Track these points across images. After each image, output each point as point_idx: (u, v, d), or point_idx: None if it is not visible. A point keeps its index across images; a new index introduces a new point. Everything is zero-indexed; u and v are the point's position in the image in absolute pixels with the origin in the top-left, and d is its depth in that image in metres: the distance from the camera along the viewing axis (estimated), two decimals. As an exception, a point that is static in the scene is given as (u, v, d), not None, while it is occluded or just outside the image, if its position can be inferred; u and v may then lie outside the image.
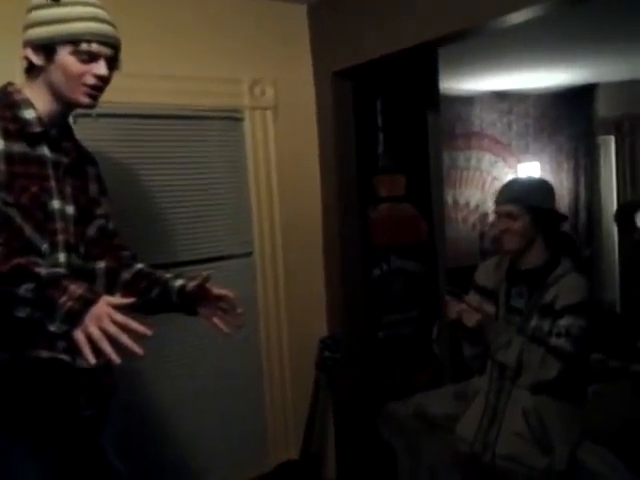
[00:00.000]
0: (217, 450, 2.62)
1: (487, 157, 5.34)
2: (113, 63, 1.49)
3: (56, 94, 1.47)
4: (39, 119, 1.45)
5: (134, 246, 2.35)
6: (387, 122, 3.01)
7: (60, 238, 1.45)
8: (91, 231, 1.57)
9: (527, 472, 1.95)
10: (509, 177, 5.31)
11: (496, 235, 2.13)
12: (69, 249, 1.48)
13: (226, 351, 2.64)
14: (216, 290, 1.61)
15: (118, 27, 1.51)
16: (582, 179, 5.71)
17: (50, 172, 1.46)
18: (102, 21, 1.44)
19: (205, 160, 2.58)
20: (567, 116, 5.57)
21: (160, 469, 2.46)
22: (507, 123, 5.41)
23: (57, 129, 1.51)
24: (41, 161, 1.45)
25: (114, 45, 1.48)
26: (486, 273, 2.22)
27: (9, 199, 1.35)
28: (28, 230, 1.39)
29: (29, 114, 1.44)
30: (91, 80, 1.45)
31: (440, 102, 3.25)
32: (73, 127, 1.61)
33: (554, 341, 1.91)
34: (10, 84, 1.49)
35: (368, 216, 2.97)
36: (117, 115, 2.30)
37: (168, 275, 1.66)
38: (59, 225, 1.46)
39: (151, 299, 1.60)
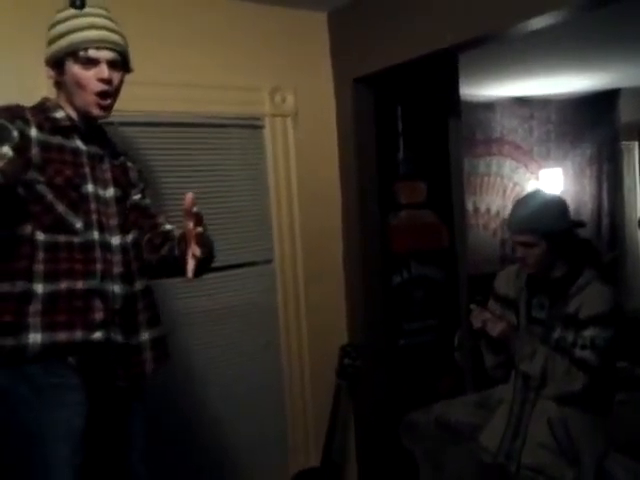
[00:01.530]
0: (238, 457, 2.62)
1: (508, 163, 5.29)
2: (120, 66, 1.59)
3: (74, 106, 1.59)
4: (68, 117, 1.58)
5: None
6: (407, 128, 3.00)
7: (94, 217, 1.56)
8: (127, 205, 1.68)
9: (553, 483, 1.92)
10: (531, 183, 5.27)
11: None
12: (102, 228, 1.57)
13: (247, 358, 2.65)
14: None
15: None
16: (605, 185, 5.64)
17: (84, 160, 1.58)
18: (99, 28, 1.54)
19: (226, 167, 2.60)
20: (590, 122, 5.51)
21: (181, 475, 2.47)
22: (528, 129, 5.37)
23: (87, 127, 1.62)
24: (76, 152, 1.57)
25: (114, 48, 1.56)
26: (506, 282, 2.18)
27: (41, 178, 1.46)
28: (61, 208, 1.50)
29: (59, 114, 1.57)
30: (97, 85, 1.54)
31: (461, 108, 3.24)
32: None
33: (579, 353, 1.87)
34: (46, 98, 1.62)
35: (388, 223, 2.96)
36: (138, 123, 2.33)
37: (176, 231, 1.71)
38: (93, 206, 1.56)
39: (162, 256, 1.64)
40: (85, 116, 1.60)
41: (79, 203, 1.53)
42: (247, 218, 2.65)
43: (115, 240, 1.60)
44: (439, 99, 3.13)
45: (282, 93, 2.65)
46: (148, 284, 1.68)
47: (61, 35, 1.53)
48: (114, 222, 1.61)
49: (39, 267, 1.46)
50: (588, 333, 1.87)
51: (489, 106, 5.11)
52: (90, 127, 1.64)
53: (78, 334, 1.48)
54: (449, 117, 3.17)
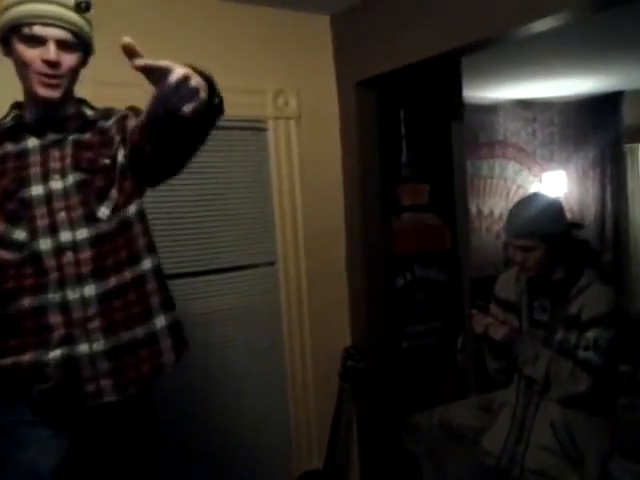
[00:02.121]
0: (241, 459, 2.62)
1: (511, 166, 5.29)
2: (75, 47, 1.38)
3: (25, 89, 1.41)
4: (19, 116, 1.44)
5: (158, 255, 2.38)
6: (410, 131, 3.01)
7: (40, 223, 1.37)
8: (116, 176, 1.45)
9: (557, 486, 1.92)
10: (534, 186, 5.26)
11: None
12: (54, 230, 1.37)
13: (250, 360, 2.65)
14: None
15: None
16: (609, 187, 5.63)
17: (32, 159, 1.41)
18: (47, 2, 1.32)
19: (229, 169, 2.60)
20: (593, 124, 5.50)
21: (179, 475, 2.47)
22: (531, 131, 5.37)
23: (47, 113, 1.43)
24: (20, 154, 1.42)
25: (65, 26, 1.34)
26: (507, 285, 2.18)
27: None
28: (1, 226, 1.35)
29: (8, 118, 1.46)
30: (40, 66, 1.34)
31: (464, 111, 3.24)
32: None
33: (582, 354, 1.87)
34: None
35: (391, 225, 2.96)
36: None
37: None
38: (40, 210, 1.38)
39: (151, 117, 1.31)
40: (35, 99, 1.40)
41: (19, 212, 1.37)
42: (250, 220, 2.66)
43: (81, 234, 1.38)
44: (442, 102, 3.13)
45: (285, 96, 2.65)
46: (142, 272, 1.44)
47: (6, 7, 1.33)
48: (77, 214, 1.39)
49: None
50: (591, 334, 1.87)
51: (492, 109, 5.11)
52: (52, 110, 1.43)
53: (28, 356, 1.32)
54: (452, 120, 3.17)
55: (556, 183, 5.38)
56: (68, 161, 1.42)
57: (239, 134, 2.61)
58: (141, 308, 1.43)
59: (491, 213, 5.20)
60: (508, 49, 2.86)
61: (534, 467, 1.94)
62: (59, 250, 1.37)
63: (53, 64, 1.34)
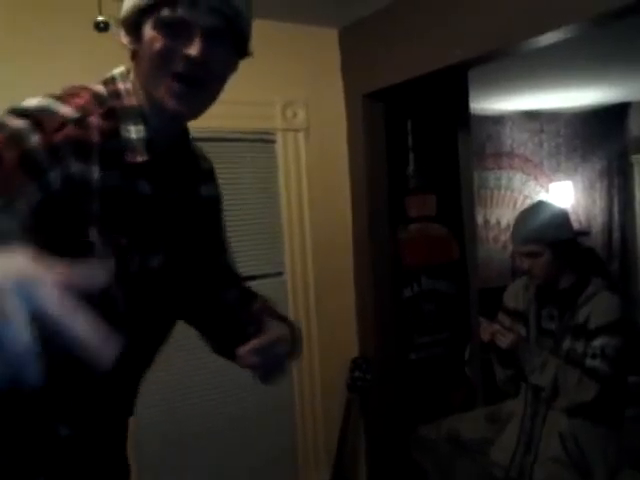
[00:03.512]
0: (247, 470, 2.62)
1: (518, 176, 5.30)
2: (228, 43, 0.97)
3: (149, 97, 0.97)
4: (146, 141, 0.96)
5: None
6: (418, 142, 3.02)
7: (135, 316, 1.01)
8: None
9: (565, 498, 1.91)
10: (541, 196, 5.27)
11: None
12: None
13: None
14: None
15: None
16: (616, 199, 5.63)
17: (143, 217, 0.98)
18: None
19: (238, 181, 2.62)
20: (600, 135, 5.51)
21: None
22: (538, 142, 5.38)
23: (163, 145, 1.00)
24: (137, 199, 0.97)
25: (224, 12, 0.92)
26: (515, 295, 2.19)
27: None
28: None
29: (137, 132, 0.96)
30: (177, 65, 0.92)
31: (470, 122, 3.26)
32: None
33: (589, 362, 1.88)
34: (122, 75, 1.00)
35: (399, 236, 2.97)
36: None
37: None
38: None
39: None
40: (160, 115, 0.96)
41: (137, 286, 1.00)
42: (258, 231, 2.68)
43: None
44: (449, 113, 3.15)
45: (294, 108, 2.68)
46: None
47: None
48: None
49: None
50: (598, 342, 1.88)
51: (499, 120, 5.13)
52: (166, 141, 1.01)
53: None
54: (459, 131, 3.19)
55: (563, 194, 5.38)
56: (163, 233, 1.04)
57: (248, 146, 2.64)
58: None
59: (498, 224, 5.20)
60: (515, 61, 2.87)
61: (542, 478, 1.94)
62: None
63: (197, 61, 0.92)
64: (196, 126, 2.61)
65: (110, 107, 0.95)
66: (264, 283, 2.70)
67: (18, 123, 0.86)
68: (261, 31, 2.65)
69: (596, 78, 4.20)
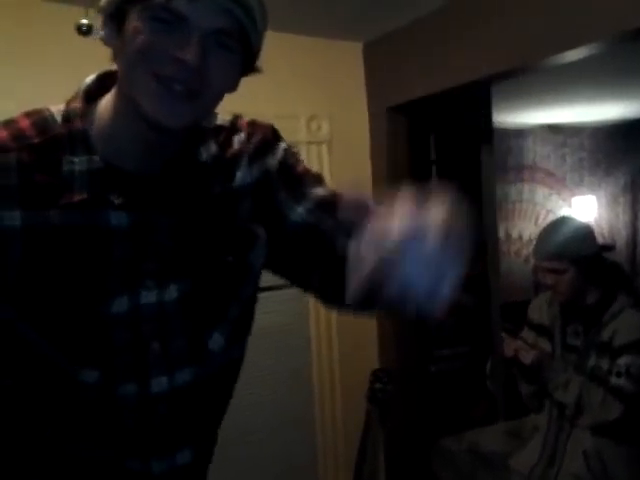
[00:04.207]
0: (266, 480, 2.63)
1: (541, 190, 5.28)
2: (235, 48, 0.80)
3: (126, 100, 0.79)
4: (93, 173, 0.80)
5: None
6: (440, 156, 3.03)
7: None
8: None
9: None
10: (563, 210, 5.23)
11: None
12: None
13: (277, 382, 2.66)
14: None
15: None
16: (640, 213, 5.58)
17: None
18: None
19: (262, 193, 2.65)
20: (623, 150, 5.47)
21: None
22: (561, 156, 5.35)
23: (155, 164, 0.84)
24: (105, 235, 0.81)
25: (235, 13, 0.75)
26: (539, 310, 2.19)
27: None
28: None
29: (80, 165, 0.79)
30: (164, 66, 0.74)
31: (493, 136, 3.26)
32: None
33: (614, 381, 1.86)
34: (85, 87, 0.84)
35: (421, 249, 2.97)
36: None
37: None
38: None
39: None
40: (151, 130, 0.78)
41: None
42: (281, 242, 2.70)
43: None
44: (472, 127, 3.16)
45: (318, 121, 2.71)
46: None
47: None
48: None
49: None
50: (623, 361, 1.86)
51: (521, 133, 5.12)
52: (159, 163, 0.85)
53: None
54: (482, 144, 3.20)
55: (586, 208, 5.34)
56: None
57: (272, 158, 2.66)
58: None
59: (520, 237, 5.18)
60: (538, 75, 2.88)
61: (565, 495, 1.93)
62: None
63: (191, 68, 0.74)
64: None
65: (51, 135, 0.79)
66: (286, 293, 2.72)
67: None
68: (287, 45, 2.72)
69: (620, 92, 4.18)
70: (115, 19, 0.76)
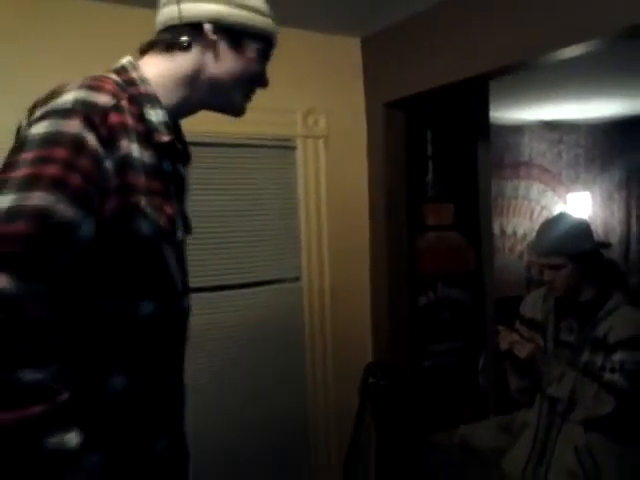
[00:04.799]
0: (258, 474, 2.63)
1: (536, 187, 5.29)
2: None
3: (205, 91, 1.15)
4: (167, 124, 1.09)
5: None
6: (437, 151, 3.04)
7: (185, 278, 1.13)
8: None
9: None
10: (558, 207, 5.25)
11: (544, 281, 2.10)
12: (187, 291, 1.16)
13: (270, 376, 2.67)
14: None
15: None
16: (634, 210, 5.60)
17: (172, 190, 1.11)
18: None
19: (258, 186, 2.66)
20: (619, 147, 5.49)
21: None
22: (557, 153, 5.37)
23: (175, 134, 1.14)
24: (165, 178, 1.08)
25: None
26: (533, 305, 2.19)
27: (160, 221, 1.02)
28: (172, 264, 1.06)
29: (157, 116, 1.07)
30: (257, 87, 1.20)
31: (490, 132, 3.27)
32: None
33: (608, 376, 1.87)
34: (131, 65, 1.11)
35: (416, 244, 2.99)
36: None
37: None
38: (182, 259, 1.13)
39: None
40: (201, 109, 1.20)
41: (179, 255, 1.11)
42: (276, 236, 2.70)
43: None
44: (469, 123, 3.16)
45: (315, 115, 2.71)
46: None
47: (256, 9, 1.14)
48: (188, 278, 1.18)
49: (139, 353, 1.02)
50: (617, 357, 1.87)
51: (518, 129, 5.13)
52: (175, 131, 1.15)
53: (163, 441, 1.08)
54: (478, 140, 3.20)
55: (581, 205, 5.36)
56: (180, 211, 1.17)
57: (269, 152, 2.66)
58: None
59: (514, 233, 5.19)
60: (535, 71, 2.88)
61: (556, 490, 1.94)
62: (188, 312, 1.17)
63: (264, 87, 1.21)
64: (217, 131, 2.65)
65: (131, 94, 1.05)
66: (281, 288, 2.73)
67: (72, 126, 0.93)
68: (284, 39, 2.69)
69: (616, 90, 4.19)
70: (230, 37, 1.12)
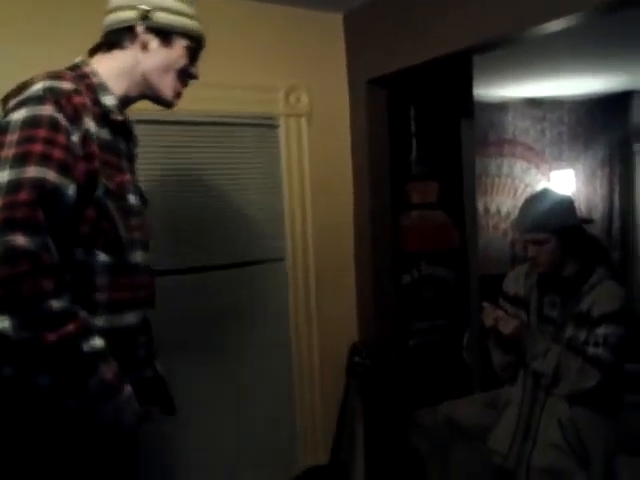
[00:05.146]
0: (246, 454, 2.64)
1: (519, 164, 5.29)
2: None
3: (141, 82, 1.40)
4: (118, 107, 1.35)
5: (169, 249, 2.41)
6: (420, 129, 3.02)
7: (137, 235, 1.35)
8: None
9: (564, 485, 1.94)
10: (542, 184, 5.26)
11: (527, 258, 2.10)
12: (143, 247, 1.38)
13: (256, 356, 2.67)
14: None
15: None
16: (617, 187, 5.63)
17: (125, 164, 1.37)
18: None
19: (240, 165, 2.62)
20: (602, 124, 5.50)
21: (188, 471, 2.49)
22: (540, 130, 5.36)
23: (126, 119, 1.41)
24: (119, 151, 1.35)
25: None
26: (516, 281, 2.20)
27: (110, 185, 1.25)
28: (119, 222, 1.28)
29: (108, 99, 1.32)
30: (186, 79, 1.46)
31: (474, 109, 3.25)
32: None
33: (592, 350, 1.89)
34: (84, 62, 1.36)
35: (400, 222, 2.98)
36: (156, 122, 2.35)
37: None
38: (134, 220, 1.35)
39: None
40: (143, 98, 1.43)
41: (128, 217, 1.31)
42: (260, 215, 2.67)
43: (147, 260, 1.40)
44: (452, 100, 3.14)
45: (297, 93, 2.67)
46: None
47: (184, 13, 1.40)
48: (146, 238, 1.40)
49: (101, 297, 1.25)
50: (601, 331, 1.89)
51: (502, 107, 5.12)
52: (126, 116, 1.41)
53: (134, 375, 1.30)
54: (462, 118, 3.18)
55: (564, 182, 5.38)
56: (135, 180, 1.42)
57: (251, 130, 2.63)
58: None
59: (498, 212, 5.21)
60: (519, 48, 2.86)
61: (541, 465, 1.96)
62: (145, 268, 1.38)
63: (195, 79, 1.49)
64: (198, 109, 2.61)
65: (86, 83, 1.29)
66: (265, 268, 2.71)
67: (47, 110, 1.16)
68: (266, 15, 2.66)
69: (600, 66, 4.18)
70: (161, 36, 1.38)
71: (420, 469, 2.71)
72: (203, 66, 2.44)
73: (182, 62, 1.41)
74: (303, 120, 2.70)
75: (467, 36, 2.23)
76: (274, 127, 2.67)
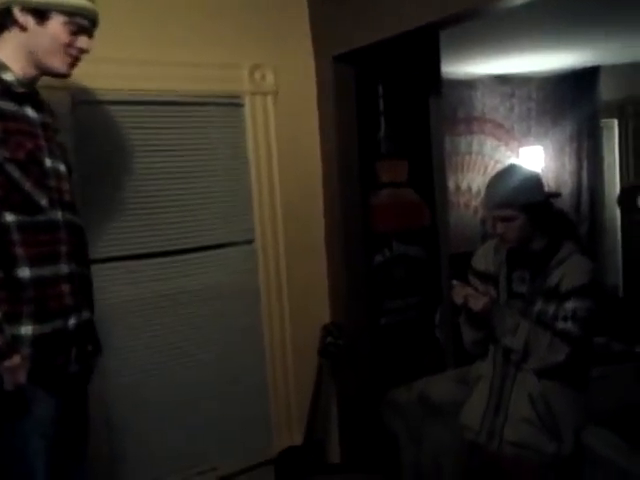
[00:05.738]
0: (220, 436, 2.63)
1: (489, 141, 5.31)
2: (90, 37, 1.58)
3: (32, 59, 1.51)
4: (19, 81, 1.49)
5: (134, 233, 2.37)
6: (389, 106, 2.99)
7: (55, 196, 1.51)
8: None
9: (536, 458, 1.95)
10: (511, 161, 5.29)
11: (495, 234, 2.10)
12: (63, 206, 1.54)
13: (228, 338, 2.64)
14: None
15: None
16: (585, 162, 5.69)
17: (39, 131, 1.52)
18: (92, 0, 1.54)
19: (205, 146, 2.57)
20: (570, 99, 5.53)
21: (161, 454, 2.47)
22: (509, 107, 5.38)
23: (33, 91, 1.56)
24: (30, 120, 1.50)
25: (95, 21, 1.57)
26: (485, 257, 2.19)
27: (6, 154, 1.40)
28: (27, 185, 1.43)
29: (7, 75, 1.47)
30: (75, 52, 1.53)
31: (442, 86, 3.22)
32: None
33: (561, 325, 1.90)
34: None
35: (370, 202, 2.96)
36: (118, 102, 2.29)
37: None
38: (53, 183, 1.52)
39: None
40: (42, 72, 1.54)
41: (42, 179, 1.48)
42: (227, 197, 2.63)
43: (74, 219, 1.58)
44: (420, 77, 3.11)
45: (262, 71, 2.61)
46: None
47: None
48: (69, 199, 1.58)
49: (18, 251, 1.41)
50: (570, 305, 1.89)
51: (470, 84, 5.11)
52: (34, 91, 1.57)
53: (58, 323, 1.47)
54: (430, 95, 3.16)
55: (533, 158, 5.41)
56: (58, 149, 1.58)
57: (215, 110, 2.57)
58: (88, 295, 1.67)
59: (469, 189, 5.22)
60: (486, 24, 2.84)
61: (513, 439, 1.97)
62: (67, 225, 1.53)
63: (85, 52, 1.55)
64: (161, 89, 2.55)
65: None
66: (234, 251, 2.67)
67: None
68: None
69: (567, 42, 4.19)
70: (35, 14, 1.46)
71: (394, 447, 2.72)
72: (164, 44, 2.39)
73: (63, 38, 1.49)
74: (269, 98, 2.65)
75: (433, 10, 2.20)
76: (239, 106, 2.61)
